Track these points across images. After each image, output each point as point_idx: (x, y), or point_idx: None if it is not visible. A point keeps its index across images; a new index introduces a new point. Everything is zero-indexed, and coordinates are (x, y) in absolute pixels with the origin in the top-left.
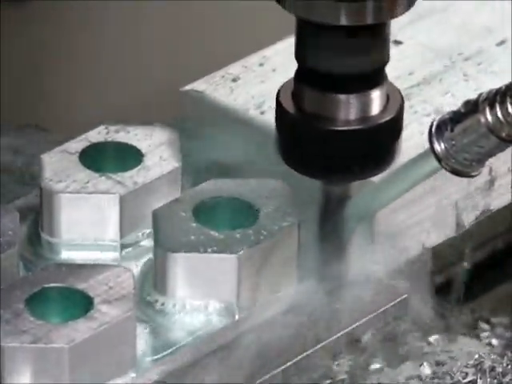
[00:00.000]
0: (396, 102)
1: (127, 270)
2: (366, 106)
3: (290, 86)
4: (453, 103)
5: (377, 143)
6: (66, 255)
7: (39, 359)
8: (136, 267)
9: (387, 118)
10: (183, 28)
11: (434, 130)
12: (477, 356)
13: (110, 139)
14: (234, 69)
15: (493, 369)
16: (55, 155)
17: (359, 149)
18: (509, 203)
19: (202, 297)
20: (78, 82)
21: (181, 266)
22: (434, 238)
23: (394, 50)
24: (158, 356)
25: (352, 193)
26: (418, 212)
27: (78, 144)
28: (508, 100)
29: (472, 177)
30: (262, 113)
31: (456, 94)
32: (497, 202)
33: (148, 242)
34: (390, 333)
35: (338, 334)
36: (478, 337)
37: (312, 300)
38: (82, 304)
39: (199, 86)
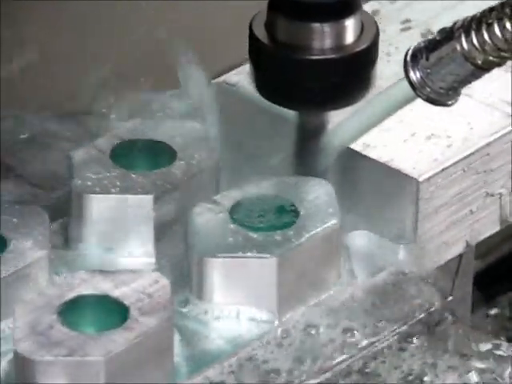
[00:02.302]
0: (371, 31)
1: (163, 277)
2: (340, 34)
3: (263, 17)
4: None
5: (352, 72)
6: (95, 261)
7: (74, 373)
8: (169, 271)
9: (362, 46)
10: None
11: (409, 58)
12: None
13: (140, 136)
14: None
15: None
16: (84, 152)
17: (334, 78)
18: None
19: (240, 302)
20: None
21: (218, 270)
22: (478, 235)
23: None
24: (197, 365)
25: (328, 122)
26: (461, 208)
27: (108, 141)
28: (483, 27)
29: (448, 105)
30: None
31: None
32: None
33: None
34: (434, 336)
35: (375, 339)
36: None
37: (350, 303)
38: (117, 313)
39: (231, 78)
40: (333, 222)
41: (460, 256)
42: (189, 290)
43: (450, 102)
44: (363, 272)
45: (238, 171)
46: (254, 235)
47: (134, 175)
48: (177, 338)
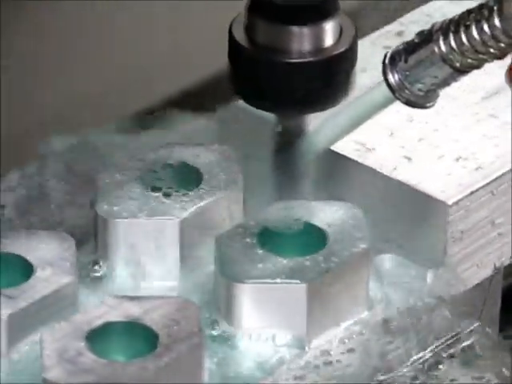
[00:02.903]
0: (349, 34)
1: (192, 303)
2: (319, 37)
3: (242, 19)
4: None
5: (331, 75)
6: (121, 286)
7: None
8: (196, 296)
9: (341, 49)
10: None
11: (387, 61)
12: None
13: (165, 158)
14: None
15: None
16: (110, 176)
17: (313, 81)
18: None
19: (269, 327)
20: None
21: (247, 296)
22: (507, 258)
23: None
24: None
25: (307, 125)
26: (490, 231)
27: (134, 163)
28: (461, 29)
29: (426, 108)
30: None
31: None
32: None
33: (210, 270)
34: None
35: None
36: None
37: (380, 327)
38: (146, 340)
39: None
40: (362, 246)
41: (488, 279)
42: (216, 314)
43: (428, 105)
44: (392, 296)
45: (261, 193)
46: (283, 261)
47: (159, 198)
48: (206, 362)
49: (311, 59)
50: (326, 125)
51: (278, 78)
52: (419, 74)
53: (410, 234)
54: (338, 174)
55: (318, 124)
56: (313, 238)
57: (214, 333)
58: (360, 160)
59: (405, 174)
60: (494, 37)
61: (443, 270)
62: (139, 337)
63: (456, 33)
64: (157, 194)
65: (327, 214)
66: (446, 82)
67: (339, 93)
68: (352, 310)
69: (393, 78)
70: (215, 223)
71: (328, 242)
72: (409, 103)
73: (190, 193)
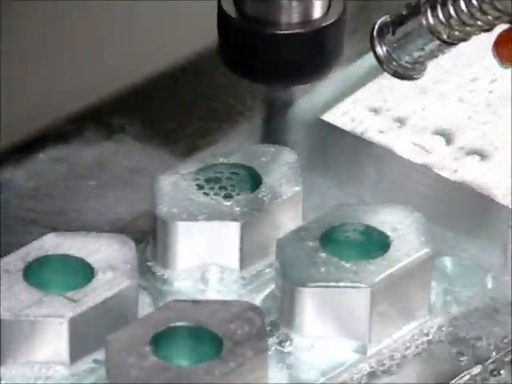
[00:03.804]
0: (338, 7)
1: (255, 307)
2: (307, 9)
3: None
4: None
5: (319, 46)
6: (179, 286)
7: None
8: (257, 301)
9: (329, 21)
10: None
11: (375, 33)
12: None
13: (223, 161)
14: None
15: None
16: (169, 178)
17: (302, 52)
18: None
19: (332, 331)
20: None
21: (310, 300)
22: None
23: None
24: None
25: (296, 96)
26: None
27: (192, 166)
28: (449, 2)
29: (414, 79)
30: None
31: None
32: None
33: (270, 273)
34: None
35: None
36: None
37: (442, 331)
38: (210, 343)
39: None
40: (425, 250)
41: None
42: (278, 318)
43: (416, 77)
44: (454, 300)
45: (323, 197)
46: (347, 264)
47: (219, 200)
48: (270, 367)
49: (299, 31)
50: (315, 94)
51: (267, 49)
52: (407, 46)
53: (471, 238)
54: (398, 176)
55: (306, 95)
56: (375, 241)
57: (277, 337)
58: (420, 161)
59: (467, 177)
60: (481, 9)
61: (504, 274)
62: (203, 341)
63: (444, 5)
64: (217, 197)
65: (389, 218)
66: (433, 54)
67: (327, 64)
68: (414, 314)
69: (381, 50)
70: (276, 226)
71: (391, 246)
72: (396, 75)
73: (250, 195)
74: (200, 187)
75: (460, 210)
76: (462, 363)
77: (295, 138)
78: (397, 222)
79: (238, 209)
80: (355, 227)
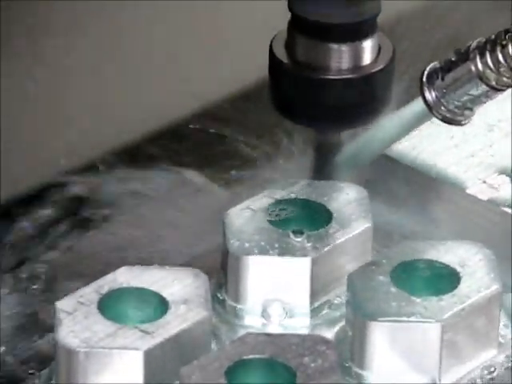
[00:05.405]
0: (388, 52)
1: (327, 340)
2: (357, 55)
3: (283, 37)
4: None
5: (368, 92)
6: (250, 320)
7: None
8: (328, 335)
9: (378, 67)
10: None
11: (425, 78)
12: None
13: (293, 195)
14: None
15: None
16: (240, 213)
17: (351, 97)
18: None
19: (402, 365)
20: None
21: (382, 334)
22: None
23: None
24: None
25: (345, 141)
26: None
27: (261, 200)
28: (498, 48)
29: (462, 125)
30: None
31: None
32: None
33: (340, 308)
34: None
35: None
36: None
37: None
38: (284, 376)
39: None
40: (495, 287)
41: None
42: (348, 352)
43: (464, 122)
44: None
45: (390, 234)
46: (417, 299)
47: (289, 235)
48: None
49: (349, 76)
50: (364, 140)
51: (316, 93)
52: (456, 91)
53: None
54: (466, 212)
55: (356, 139)
56: (444, 277)
57: (345, 373)
58: (486, 198)
59: None
60: None
61: None
62: (277, 374)
63: (492, 52)
64: (288, 232)
65: (458, 254)
66: (481, 100)
67: (376, 110)
68: (483, 350)
69: (430, 96)
70: (346, 261)
71: (460, 282)
72: (445, 120)
73: (321, 231)
74: (271, 222)
75: None
76: None
77: (361, 175)
78: (466, 258)
79: (309, 244)
80: (425, 263)
